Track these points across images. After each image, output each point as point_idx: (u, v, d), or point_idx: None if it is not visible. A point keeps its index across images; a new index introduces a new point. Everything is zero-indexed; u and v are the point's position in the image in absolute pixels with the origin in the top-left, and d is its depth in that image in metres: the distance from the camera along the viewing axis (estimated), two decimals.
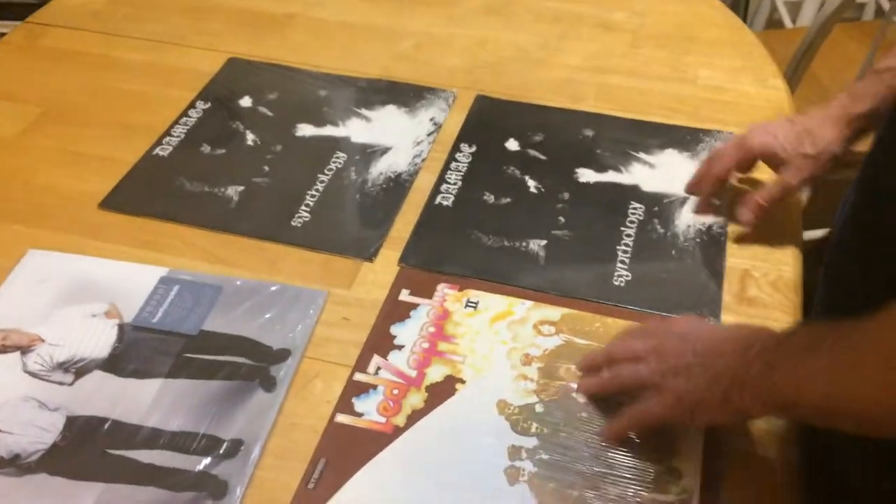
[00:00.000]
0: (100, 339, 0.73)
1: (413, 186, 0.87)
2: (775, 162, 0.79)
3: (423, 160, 0.90)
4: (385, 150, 0.91)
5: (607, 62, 1.04)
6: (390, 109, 0.97)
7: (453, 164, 0.89)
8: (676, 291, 0.76)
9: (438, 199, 0.85)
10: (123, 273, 0.78)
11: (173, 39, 1.09)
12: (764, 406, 0.57)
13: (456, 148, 0.92)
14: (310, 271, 0.79)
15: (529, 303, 0.74)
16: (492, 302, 0.75)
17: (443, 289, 0.76)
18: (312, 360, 0.71)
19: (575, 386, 0.68)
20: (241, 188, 0.87)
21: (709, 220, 0.82)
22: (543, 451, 0.64)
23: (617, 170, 0.89)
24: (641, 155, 0.90)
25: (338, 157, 0.90)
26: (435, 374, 0.69)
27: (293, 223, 0.83)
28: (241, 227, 0.83)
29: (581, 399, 0.67)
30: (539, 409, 0.67)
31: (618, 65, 1.03)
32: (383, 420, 0.66)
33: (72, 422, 0.67)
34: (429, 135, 0.93)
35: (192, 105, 0.98)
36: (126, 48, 1.07)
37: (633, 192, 0.86)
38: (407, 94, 0.99)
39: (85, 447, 0.65)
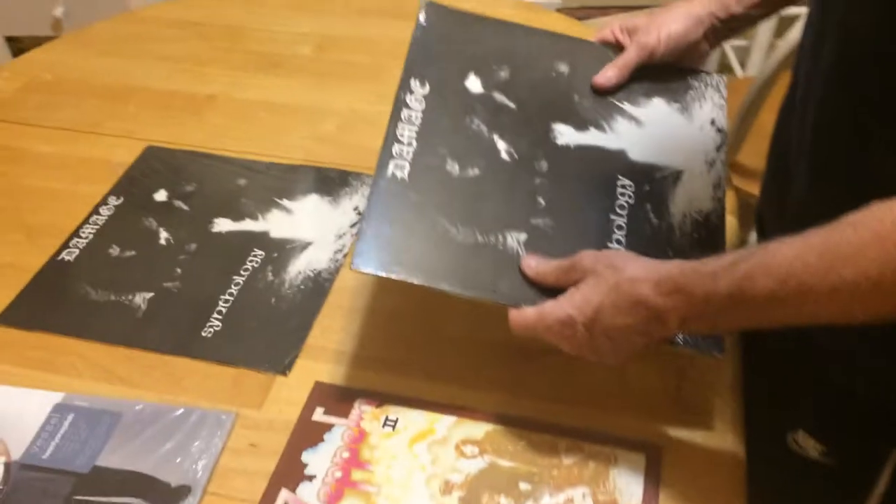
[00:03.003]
0: None
1: (333, 286, 0.82)
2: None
3: (344, 255, 0.85)
4: (305, 246, 0.86)
5: None
6: (313, 199, 0.92)
7: None
8: None
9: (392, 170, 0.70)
10: (15, 401, 0.72)
11: (87, 127, 1.04)
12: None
13: None
14: (218, 389, 0.73)
15: (452, 419, 0.69)
16: (412, 419, 0.69)
17: (360, 405, 0.71)
18: (215, 497, 0.65)
19: None
20: (149, 295, 0.81)
21: (706, 206, 0.74)
22: None
23: (599, 127, 0.77)
24: (626, 106, 0.79)
25: (255, 256, 0.85)
26: None
27: (203, 333, 0.77)
28: (147, 340, 0.77)
29: None
30: None
31: None
32: None
33: None
34: (352, 226, 0.88)
35: (103, 201, 0.92)
36: (36, 139, 1.02)
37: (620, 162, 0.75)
38: (331, 181, 0.94)
39: None
